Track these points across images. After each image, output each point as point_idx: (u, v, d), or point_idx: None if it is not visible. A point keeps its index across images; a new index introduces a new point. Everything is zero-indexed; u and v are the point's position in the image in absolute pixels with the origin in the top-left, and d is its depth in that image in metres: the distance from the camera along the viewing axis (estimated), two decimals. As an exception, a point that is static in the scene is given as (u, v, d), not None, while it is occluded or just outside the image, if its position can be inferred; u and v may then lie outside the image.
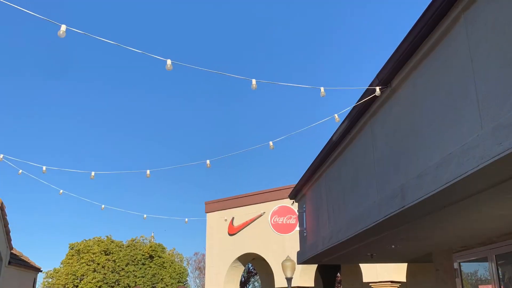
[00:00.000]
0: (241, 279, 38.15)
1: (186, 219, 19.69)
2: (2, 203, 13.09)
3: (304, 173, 11.71)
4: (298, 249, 13.56)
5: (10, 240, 19.92)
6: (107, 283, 38.35)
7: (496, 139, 4.36)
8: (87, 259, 38.88)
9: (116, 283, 38.88)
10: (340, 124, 8.58)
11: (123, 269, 39.40)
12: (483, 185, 5.13)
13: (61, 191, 13.10)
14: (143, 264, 40.33)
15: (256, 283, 45.06)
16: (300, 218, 12.92)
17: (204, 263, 34.73)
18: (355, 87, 7.55)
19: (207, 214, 25.01)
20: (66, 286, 37.89)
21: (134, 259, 40.23)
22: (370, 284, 17.75)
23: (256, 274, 41.37)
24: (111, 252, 39.93)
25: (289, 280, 16.72)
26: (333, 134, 9.18)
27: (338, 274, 27.97)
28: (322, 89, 7.28)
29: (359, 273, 18.43)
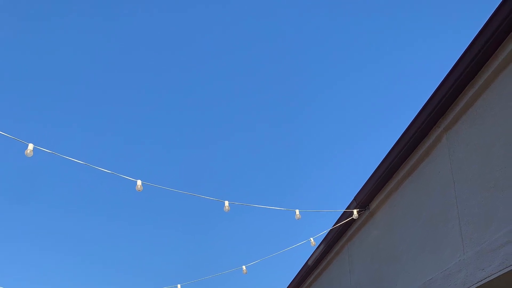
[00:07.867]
0: None
1: None
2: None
3: (277, 300, 11.31)
4: None
5: None
6: None
7: (479, 265, 4.22)
8: None
9: None
10: (315, 248, 8.36)
11: None
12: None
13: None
14: None
15: None
16: None
17: None
18: (332, 209, 7.42)
19: None
20: None
21: None
22: None
23: None
24: None
25: None
26: (309, 259, 8.92)
27: None
28: (297, 211, 7.12)
29: None
